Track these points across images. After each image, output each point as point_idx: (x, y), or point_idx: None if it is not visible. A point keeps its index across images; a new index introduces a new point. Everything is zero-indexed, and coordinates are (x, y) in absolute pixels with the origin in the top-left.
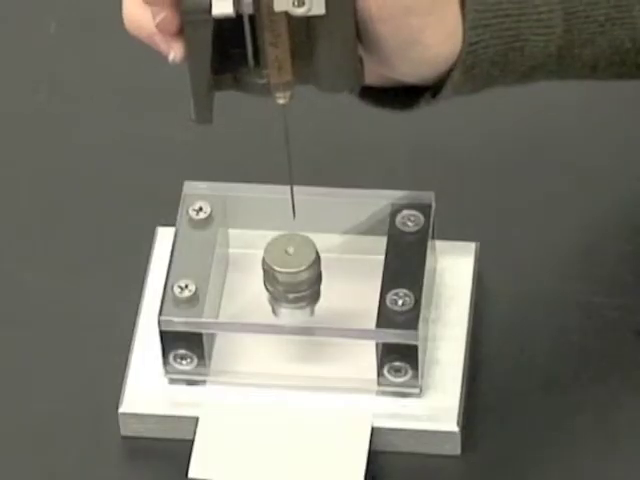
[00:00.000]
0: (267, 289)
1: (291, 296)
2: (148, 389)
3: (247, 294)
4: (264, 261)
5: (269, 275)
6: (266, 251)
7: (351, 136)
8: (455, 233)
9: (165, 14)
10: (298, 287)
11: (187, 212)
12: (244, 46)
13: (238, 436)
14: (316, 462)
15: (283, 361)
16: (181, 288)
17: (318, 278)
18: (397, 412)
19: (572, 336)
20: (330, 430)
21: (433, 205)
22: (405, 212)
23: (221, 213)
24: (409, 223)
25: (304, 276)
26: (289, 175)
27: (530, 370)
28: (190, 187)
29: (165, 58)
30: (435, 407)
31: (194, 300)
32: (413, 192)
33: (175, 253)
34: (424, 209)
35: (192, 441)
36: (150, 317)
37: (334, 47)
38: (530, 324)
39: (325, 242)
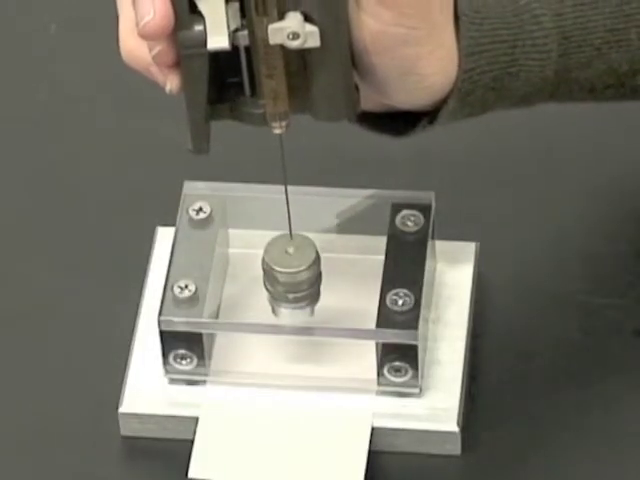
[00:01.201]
0: (267, 289)
1: (291, 296)
2: (148, 389)
3: (247, 294)
4: (264, 261)
5: (269, 275)
6: (266, 251)
7: (351, 136)
8: (455, 233)
9: (161, 47)
10: (298, 287)
11: (187, 212)
12: (240, 76)
13: (238, 436)
14: (316, 462)
15: (283, 361)
16: (181, 288)
17: (318, 278)
18: (397, 412)
19: (572, 336)
20: (330, 430)
21: (433, 205)
22: (405, 212)
23: (221, 213)
24: (409, 223)
25: (304, 276)
26: (285, 196)
27: (530, 370)
28: (190, 187)
29: (162, 88)
30: (435, 407)
31: (194, 300)
32: (413, 192)
33: (175, 253)
34: (424, 209)
35: (192, 441)
36: (150, 317)
37: (330, 78)
38: (530, 324)
39: (325, 242)
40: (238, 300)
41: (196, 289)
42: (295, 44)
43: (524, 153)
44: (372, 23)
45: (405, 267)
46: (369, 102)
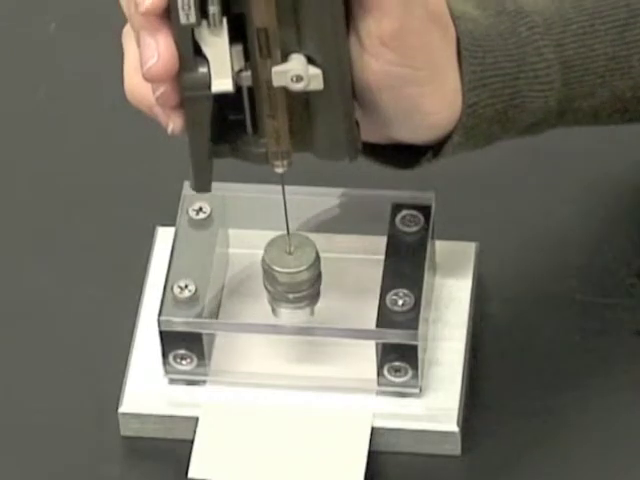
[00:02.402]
0: (267, 289)
1: (291, 296)
2: (148, 389)
3: (247, 294)
4: (264, 261)
5: (269, 275)
6: (266, 251)
7: None
8: (455, 233)
9: (165, 89)
10: (298, 287)
11: (187, 212)
12: (242, 113)
13: (238, 436)
14: (316, 462)
15: (283, 361)
16: (181, 288)
17: (318, 278)
18: (397, 412)
19: (572, 336)
20: (330, 430)
21: (433, 205)
22: (405, 212)
23: (221, 213)
24: (409, 223)
25: (304, 276)
26: (285, 222)
27: (530, 370)
28: (190, 187)
29: (164, 128)
30: (435, 407)
31: (194, 300)
32: (413, 192)
33: (175, 253)
34: (424, 209)
35: (192, 441)
36: (150, 317)
37: (332, 118)
38: (530, 324)
39: (325, 242)
40: (238, 300)
41: (196, 289)
42: (298, 87)
43: (524, 153)
44: (375, 63)
45: (405, 267)
46: (373, 135)
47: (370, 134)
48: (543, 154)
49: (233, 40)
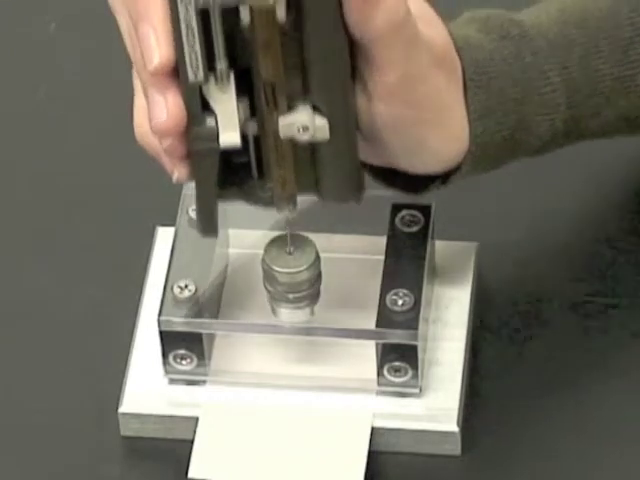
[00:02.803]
0: (267, 289)
1: (291, 296)
2: (148, 389)
3: (247, 294)
4: (264, 261)
5: (269, 275)
6: (266, 251)
7: None
8: (455, 233)
9: (172, 141)
10: (298, 287)
11: (187, 212)
12: (248, 157)
13: (238, 436)
14: (316, 462)
15: (283, 361)
16: (181, 288)
17: (318, 278)
18: (397, 412)
19: (572, 336)
20: (330, 430)
21: (433, 205)
22: (405, 212)
23: (221, 213)
24: (409, 223)
25: (304, 276)
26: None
27: (530, 370)
28: (190, 187)
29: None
30: (435, 407)
31: (194, 300)
32: None
33: (175, 253)
34: (424, 209)
35: (192, 441)
36: (150, 317)
37: (337, 165)
38: (530, 324)
39: (325, 242)
40: (238, 300)
41: (196, 289)
42: (305, 137)
43: None
44: (381, 109)
45: (405, 267)
46: (380, 162)
47: (377, 161)
48: (543, 154)
49: (239, 92)
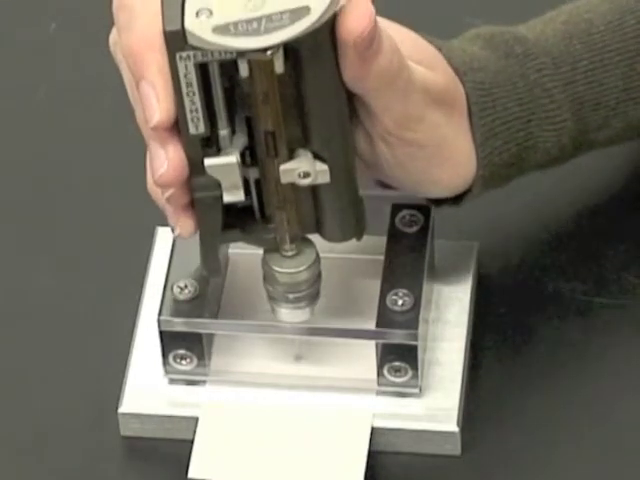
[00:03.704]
0: (267, 289)
1: (291, 296)
2: (148, 389)
3: (247, 294)
4: (264, 261)
5: (269, 275)
6: (266, 251)
7: None
8: (455, 233)
9: (174, 191)
10: (298, 287)
11: None
12: (250, 200)
13: (238, 436)
14: (316, 462)
15: (283, 361)
16: (181, 288)
17: (318, 278)
18: (397, 412)
19: (572, 336)
20: (330, 430)
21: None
22: (405, 212)
23: None
24: (409, 223)
25: (304, 276)
26: None
27: (530, 370)
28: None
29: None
30: (435, 407)
31: (194, 300)
32: None
33: (175, 253)
34: (424, 209)
35: (192, 441)
36: (150, 317)
37: (338, 207)
38: (530, 324)
39: (325, 242)
40: (238, 300)
41: (196, 289)
42: (306, 182)
43: None
44: (382, 148)
45: (405, 267)
46: (388, 183)
47: (385, 183)
48: None
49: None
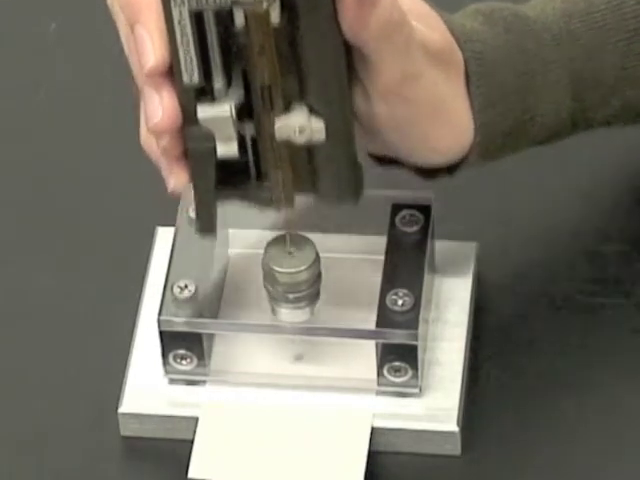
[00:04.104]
0: (267, 289)
1: (291, 296)
2: (148, 389)
3: (247, 294)
4: (264, 261)
5: (269, 275)
6: (266, 251)
7: None
8: (455, 233)
9: (168, 140)
10: (298, 287)
11: (187, 212)
12: (246, 158)
13: (238, 436)
14: (316, 462)
15: (283, 361)
16: (181, 288)
17: (318, 278)
18: (397, 412)
19: (572, 336)
20: (330, 430)
21: (433, 205)
22: (405, 212)
23: (221, 213)
24: (409, 223)
25: (304, 276)
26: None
27: (530, 370)
28: (190, 187)
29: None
30: (435, 407)
31: (194, 300)
32: (413, 192)
33: (175, 253)
34: (424, 209)
35: (192, 441)
36: (150, 317)
37: (335, 167)
38: (530, 324)
39: (325, 242)
40: (238, 300)
41: (196, 289)
42: (301, 139)
43: (524, 153)
44: (380, 108)
45: (405, 267)
46: (385, 154)
47: (381, 154)
48: (543, 154)
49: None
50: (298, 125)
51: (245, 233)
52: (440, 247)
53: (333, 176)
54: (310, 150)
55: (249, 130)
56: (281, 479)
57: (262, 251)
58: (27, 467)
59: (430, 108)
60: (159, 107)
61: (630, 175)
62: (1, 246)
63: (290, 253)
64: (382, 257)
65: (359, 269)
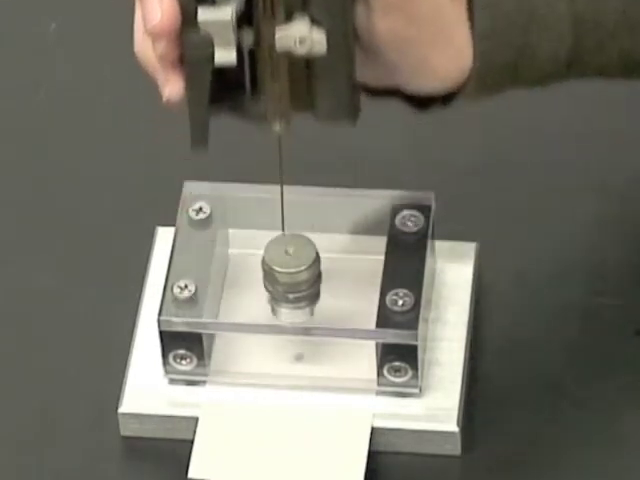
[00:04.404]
0: (267, 289)
1: (291, 296)
2: (148, 389)
3: (247, 294)
4: (264, 261)
5: (269, 275)
6: (266, 251)
7: (351, 136)
8: (455, 233)
9: (166, 45)
10: (298, 287)
11: (187, 212)
12: (241, 72)
13: (238, 436)
14: (316, 462)
15: (283, 361)
16: (181, 288)
17: (318, 278)
18: (397, 412)
19: (572, 336)
20: (330, 430)
21: (433, 205)
22: (405, 212)
23: (221, 213)
24: (409, 223)
25: (304, 276)
26: (281, 196)
27: (530, 370)
28: (190, 187)
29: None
30: (435, 407)
31: (194, 300)
32: (413, 192)
33: (175, 253)
34: (424, 209)
35: (192, 441)
36: (150, 317)
37: (334, 81)
38: (530, 324)
39: (325, 242)
40: (238, 300)
41: (196, 289)
42: (302, 50)
43: (524, 153)
44: (382, 24)
45: (405, 267)
46: (380, 82)
47: (377, 82)
48: (543, 154)
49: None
50: (299, 35)
51: (245, 233)
52: (440, 247)
53: (331, 94)
54: (309, 65)
55: (247, 40)
56: (281, 479)
57: (262, 251)
58: (27, 467)
59: (431, 28)
60: (158, 8)
61: (630, 175)
62: (1, 246)
63: (290, 253)
64: (382, 257)
65: (359, 269)
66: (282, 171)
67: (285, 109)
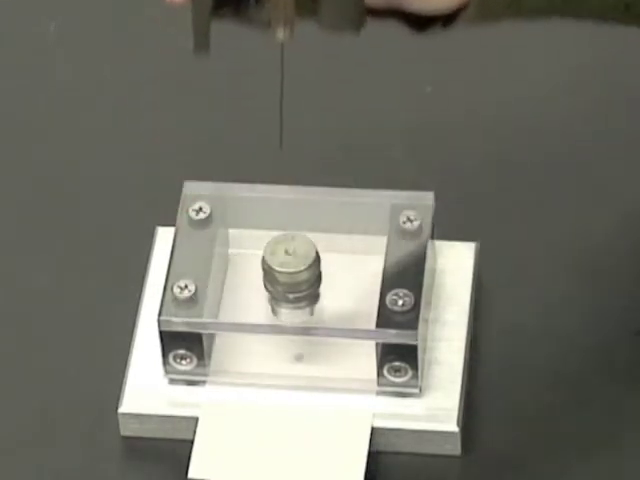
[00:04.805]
0: (267, 289)
1: (291, 296)
2: (148, 389)
3: (247, 294)
4: (264, 261)
5: (269, 275)
6: (266, 251)
7: (351, 136)
8: (455, 233)
9: None
10: (298, 287)
11: (187, 212)
12: None
13: (238, 436)
14: (316, 462)
15: (283, 361)
16: (181, 288)
17: (318, 278)
18: (397, 412)
19: (572, 336)
20: (330, 430)
21: (433, 205)
22: (405, 212)
23: (221, 213)
24: (409, 223)
25: (304, 276)
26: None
27: (530, 370)
28: (190, 187)
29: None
30: (435, 407)
31: (194, 300)
32: (413, 192)
33: (175, 253)
34: (424, 209)
35: (192, 441)
36: (150, 317)
37: None
38: (530, 324)
39: (325, 242)
40: (238, 300)
41: (196, 289)
42: None
43: (524, 153)
44: None
45: (405, 267)
46: (385, 2)
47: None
48: (543, 154)
49: None
50: None
51: (245, 233)
52: (440, 247)
53: (335, 1)
54: None
55: None
56: (281, 479)
57: (262, 251)
58: (27, 467)
59: None
60: None
61: (631, 175)
62: (1, 246)
63: (290, 253)
64: (382, 257)
65: (359, 269)
66: (283, 84)
67: (289, 16)
